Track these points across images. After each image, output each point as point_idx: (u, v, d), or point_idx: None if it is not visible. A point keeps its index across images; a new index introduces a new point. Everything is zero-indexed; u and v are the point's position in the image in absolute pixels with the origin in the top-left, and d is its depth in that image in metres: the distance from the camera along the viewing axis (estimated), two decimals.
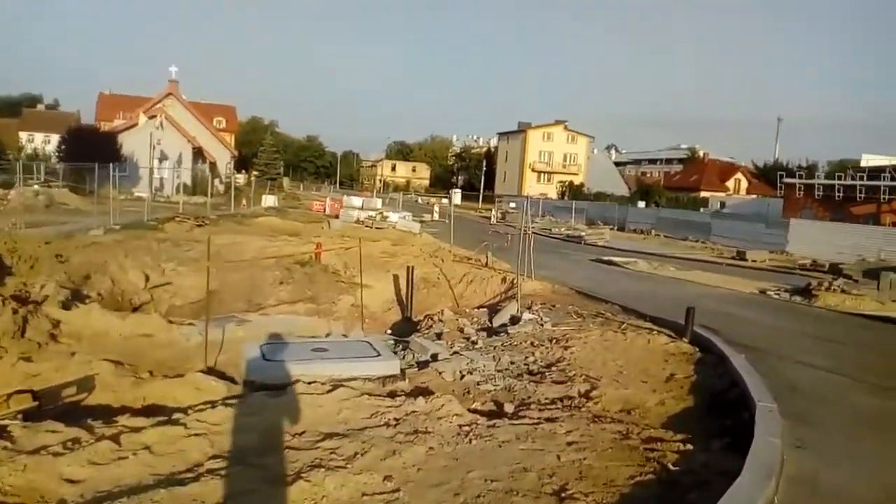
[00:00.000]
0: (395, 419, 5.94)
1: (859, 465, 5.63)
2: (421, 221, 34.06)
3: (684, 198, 65.90)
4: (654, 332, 10.27)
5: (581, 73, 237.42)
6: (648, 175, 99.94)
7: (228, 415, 5.76)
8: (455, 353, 9.29)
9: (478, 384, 7.74)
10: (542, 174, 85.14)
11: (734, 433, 6.04)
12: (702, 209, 54.74)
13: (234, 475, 4.62)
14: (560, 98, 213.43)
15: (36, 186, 35.26)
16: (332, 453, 5.11)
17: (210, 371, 8.07)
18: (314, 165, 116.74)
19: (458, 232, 26.15)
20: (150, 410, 6.67)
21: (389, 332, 13.90)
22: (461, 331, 11.88)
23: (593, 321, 11.31)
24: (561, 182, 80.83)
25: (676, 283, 18.58)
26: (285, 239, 22.04)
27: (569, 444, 5.62)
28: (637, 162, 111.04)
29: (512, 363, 8.76)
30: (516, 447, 5.49)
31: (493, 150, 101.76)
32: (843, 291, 15.46)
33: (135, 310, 13.57)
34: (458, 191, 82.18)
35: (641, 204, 59.56)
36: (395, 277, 16.77)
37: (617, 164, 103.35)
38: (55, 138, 50.18)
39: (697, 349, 9.36)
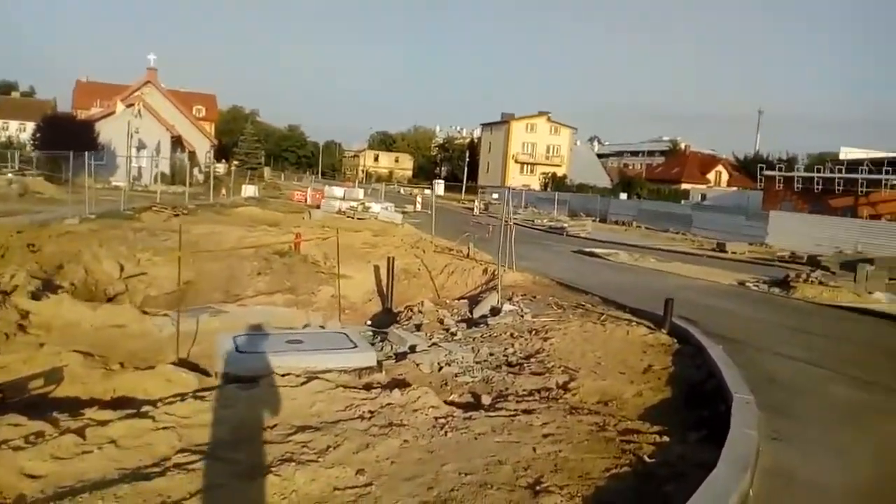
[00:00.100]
0: (370, 412, 5.84)
1: (835, 457, 5.63)
2: (403, 212, 33.90)
3: (666, 190, 66.28)
4: (634, 323, 10.26)
5: (565, 65, 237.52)
6: (631, 167, 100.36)
7: (198, 407, 5.63)
8: (434, 344, 9.20)
9: (455, 376, 7.67)
10: (526, 165, 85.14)
11: (711, 425, 6.02)
12: (683, 201, 55.07)
13: (202, 469, 4.50)
14: (544, 89, 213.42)
15: (10, 175, 34.58)
16: (303, 447, 5.01)
17: (183, 363, 7.92)
18: (296, 155, 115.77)
19: (440, 223, 26.05)
20: (119, 403, 6.52)
21: (369, 323, 13.79)
22: (441, 322, 11.79)
23: (573, 312, 11.28)
24: (544, 174, 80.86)
25: (657, 274, 18.64)
26: (265, 229, 21.81)
27: (545, 436, 5.56)
28: (619, 154, 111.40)
29: (491, 355, 8.70)
30: (492, 439, 5.43)
31: (476, 141, 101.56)
32: (820, 283, 15.59)
33: (109, 300, 13.34)
34: (441, 182, 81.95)
35: (623, 196, 59.79)
36: (376, 268, 16.66)
37: (600, 155, 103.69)
38: (31, 126, 49.17)
39: (676, 340, 9.36)
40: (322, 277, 16.59)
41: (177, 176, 42.67)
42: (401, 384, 6.87)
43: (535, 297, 12.85)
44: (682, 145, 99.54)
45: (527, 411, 6.20)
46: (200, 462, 4.61)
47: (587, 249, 24.31)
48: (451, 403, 6.50)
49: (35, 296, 10.15)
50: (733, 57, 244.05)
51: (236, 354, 6.99)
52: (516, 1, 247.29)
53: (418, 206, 42.50)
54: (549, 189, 68.76)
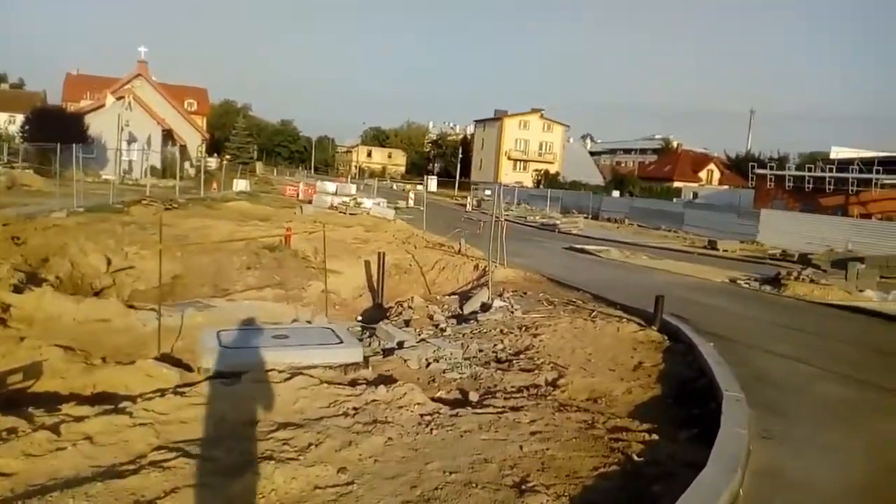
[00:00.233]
0: (354, 408, 5.72)
1: (826, 456, 5.56)
2: (395, 208, 33.76)
3: (658, 188, 66.33)
4: (624, 320, 10.18)
5: (558, 63, 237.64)
6: (623, 165, 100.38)
7: (178, 404, 5.49)
8: (422, 340, 9.09)
9: (443, 372, 7.56)
10: (518, 162, 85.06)
11: (701, 423, 5.94)
12: (675, 199, 55.12)
13: (179, 468, 4.37)
14: (537, 87, 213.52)
15: None
16: (285, 444, 4.88)
17: (166, 358, 7.77)
18: (288, 150, 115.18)
19: (432, 219, 25.93)
20: (99, 398, 6.38)
21: (359, 318, 13.66)
22: (431, 318, 11.68)
23: (564, 309, 11.20)
24: (536, 170, 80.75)
25: (648, 271, 18.59)
26: (255, 224, 21.64)
27: (532, 433, 5.46)
28: (612, 151, 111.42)
29: (480, 351, 8.60)
30: (478, 437, 5.32)
31: (469, 137, 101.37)
32: (811, 281, 15.57)
33: (96, 294, 13.16)
34: (434, 178, 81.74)
35: (616, 193, 59.79)
36: (367, 264, 16.53)
37: (592, 153, 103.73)
38: (20, 118, 48.65)
39: (666, 337, 9.29)
40: (312, 272, 16.44)
41: (168, 170, 42.29)
42: (387, 380, 6.75)
43: (525, 294, 12.76)
44: (675, 143, 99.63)
45: (515, 408, 6.10)
46: (177, 460, 4.47)
47: (579, 246, 24.25)
48: (438, 400, 6.39)
49: (17, 289, 9.96)
50: (726, 56, 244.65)
51: (219, 350, 6.85)
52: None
53: (411, 202, 42.36)
54: (541, 186, 68.62)
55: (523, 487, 4.45)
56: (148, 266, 14.99)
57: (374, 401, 5.93)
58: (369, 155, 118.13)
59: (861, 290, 15.34)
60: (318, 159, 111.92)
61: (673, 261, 21.20)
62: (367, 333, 10.00)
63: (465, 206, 47.94)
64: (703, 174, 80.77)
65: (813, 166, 40.54)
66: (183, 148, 51.01)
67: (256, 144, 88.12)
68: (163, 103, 53.08)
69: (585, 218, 42.82)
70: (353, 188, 36.62)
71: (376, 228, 23.27)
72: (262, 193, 39.31)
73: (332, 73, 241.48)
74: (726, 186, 67.23)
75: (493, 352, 8.55)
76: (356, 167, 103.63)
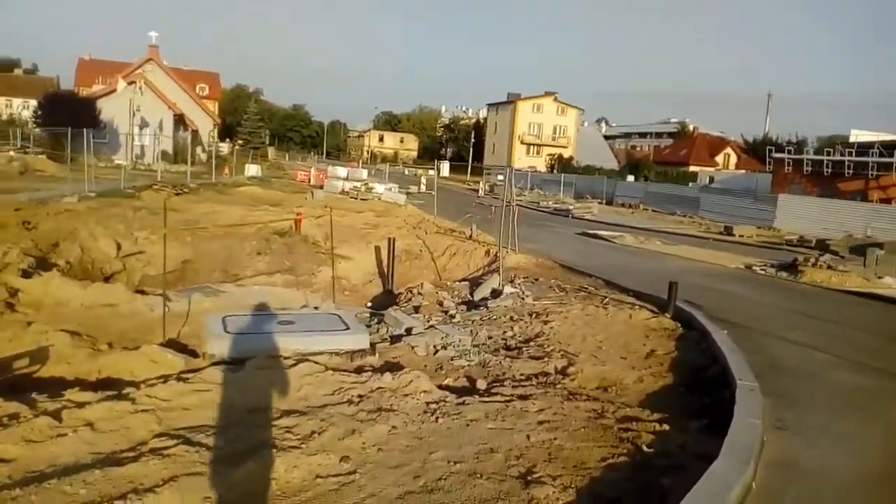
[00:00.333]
0: (359, 396, 5.63)
1: (841, 447, 5.41)
2: (407, 193, 33.60)
3: (673, 172, 65.63)
4: (637, 307, 10.02)
5: (572, 46, 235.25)
6: (638, 149, 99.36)
7: (181, 390, 5.43)
8: (430, 327, 8.98)
9: (451, 359, 7.46)
10: (532, 146, 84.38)
11: (713, 413, 5.80)
12: (690, 184, 54.52)
13: (179, 455, 4.30)
14: (551, 70, 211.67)
15: (11, 152, 34.36)
16: (287, 432, 4.81)
17: (172, 343, 7.73)
18: (300, 135, 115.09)
19: (444, 204, 25.79)
20: (104, 384, 6.35)
21: (369, 304, 13.59)
22: (440, 304, 11.57)
23: (575, 295, 11.05)
24: (550, 155, 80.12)
25: (662, 257, 18.36)
26: (266, 209, 21.62)
27: (540, 423, 5.35)
28: (627, 135, 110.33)
29: (489, 338, 8.50)
30: (484, 426, 5.22)
31: (482, 121, 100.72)
32: (829, 267, 15.29)
33: (106, 279, 13.17)
34: (447, 162, 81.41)
35: (630, 178, 59.23)
36: (377, 249, 16.45)
37: (607, 137, 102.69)
38: (34, 103, 48.86)
39: (679, 325, 9.14)
40: (322, 258, 16.38)
41: (179, 155, 42.37)
42: (394, 367, 6.66)
43: (537, 280, 12.62)
44: (691, 127, 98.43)
45: (523, 397, 6.00)
46: (177, 447, 4.41)
47: (592, 232, 24.02)
48: (445, 388, 6.29)
49: (26, 273, 9.96)
50: (743, 38, 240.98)
51: (224, 335, 6.79)
52: None
53: (422, 187, 42.14)
54: (555, 170, 68.12)
55: (529, 478, 4.35)
56: (158, 251, 14.93)
57: (379, 388, 5.85)
58: (381, 140, 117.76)
59: (880, 277, 15.05)
60: (330, 144, 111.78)
61: (688, 246, 20.93)
62: (376, 320, 9.91)
63: (477, 191, 47.65)
64: (719, 158, 79.73)
65: (832, 150, 39.88)
66: (195, 133, 51.08)
67: (268, 129, 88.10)
68: (174, 88, 53.07)
69: (599, 203, 42.46)
70: (364, 173, 36.47)
71: (387, 214, 23.16)
72: (274, 178, 39.30)
73: (345, 58, 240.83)
74: (743, 171, 66.29)
75: (502, 339, 8.44)
76: (368, 152, 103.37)
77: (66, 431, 4.61)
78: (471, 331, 8.76)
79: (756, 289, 13.77)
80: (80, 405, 5.05)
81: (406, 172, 66.47)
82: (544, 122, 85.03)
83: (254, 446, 4.54)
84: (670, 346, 8.14)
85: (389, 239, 15.30)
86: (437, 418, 5.32)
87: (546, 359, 7.45)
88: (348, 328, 7.50)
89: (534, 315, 9.48)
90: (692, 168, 69.63)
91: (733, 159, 79.93)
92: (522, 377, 6.82)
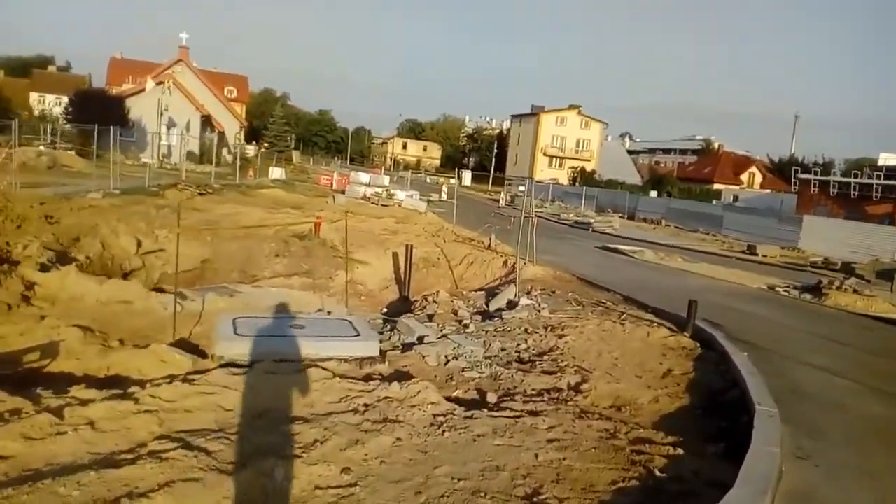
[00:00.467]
0: (365, 405, 5.52)
1: (863, 481, 5.17)
2: (428, 200, 33.55)
3: (697, 189, 64.88)
4: (655, 324, 9.81)
5: (598, 59, 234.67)
6: (662, 164, 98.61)
7: (185, 392, 5.36)
8: (443, 336, 8.85)
9: (462, 371, 7.33)
10: (554, 159, 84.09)
11: (730, 438, 5.61)
12: (714, 201, 53.82)
13: (177, 460, 4.21)
14: (576, 83, 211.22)
15: (41, 147, 34.89)
16: (289, 439, 4.71)
17: (183, 343, 7.69)
18: (325, 140, 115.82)
19: (464, 213, 25.69)
20: (111, 381, 6.31)
21: (384, 311, 13.51)
22: (455, 313, 11.44)
23: (593, 310, 10.86)
24: (572, 168, 79.77)
25: (683, 274, 18.07)
26: (287, 211, 21.66)
27: (549, 441, 5.20)
28: (651, 151, 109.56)
29: (503, 350, 8.35)
30: (492, 442, 5.07)
31: (505, 132, 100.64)
32: (854, 291, 14.92)
33: (125, 276, 13.23)
34: (469, 172, 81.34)
35: (653, 193, 58.67)
36: (395, 255, 16.40)
37: (630, 152, 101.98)
38: (66, 100, 49.71)
39: (698, 344, 8.92)
40: (340, 262, 16.35)
41: (205, 155, 42.75)
42: (403, 377, 6.54)
43: (554, 293, 12.44)
44: (716, 144, 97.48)
45: (533, 413, 5.84)
46: (176, 451, 4.32)
47: (612, 246, 23.76)
48: (454, 400, 6.16)
49: (44, 267, 10.01)
50: (772, 58, 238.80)
51: (234, 337, 6.72)
52: None
53: (444, 195, 42.09)
54: (577, 183, 67.73)
55: (535, 500, 4.20)
56: (179, 249, 15.08)
57: (386, 398, 5.73)
58: (405, 147, 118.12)
59: None
60: (354, 150, 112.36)
61: (709, 264, 20.59)
62: (389, 327, 9.81)
63: (498, 201, 47.49)
64: (744, 177, 78.72)
65: (859, 172, 39.16)
66: (221, 134, 51.58)
67: (294, 133, 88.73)
68: (203, 89, 53.65)
69: (621, 217, 42.09)
70: (386, 179, 36.51)
71: (407, 220, 23.10)
72: (297, 182, 39.49)
73: (371, 65, 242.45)
74: (768, 190, 65.40)
75: (515, 351, 8.29)
76: (391, 159, 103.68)
77: (66, 430, 4.55)
78: (484, 342, 8.62)
79: (778, 310, 13.46)
80: (84, 403, 5.00)
81: (428, 180, 66.50)
82: (568, 134, 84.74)
83: (253, 453, 4.44)
84: (688, 367, 7.94)
85: (407, 246, 15.23)
86: (443, 432, 5.19)
87: (559, 374, 7.29)
88: (359, 335, 7.40)
89: (549, 328, 9.32)
90: (716, 186, 68.79)
91: (758, 179, 78.87)
92: (534, 392, 6.67)
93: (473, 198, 50.07)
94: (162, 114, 39.24)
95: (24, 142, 33.98)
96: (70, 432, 4.51)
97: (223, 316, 7.54)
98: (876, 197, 36.20)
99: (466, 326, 9.86)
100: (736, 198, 58.16)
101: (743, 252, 27.00)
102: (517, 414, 5.76)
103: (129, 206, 18.40)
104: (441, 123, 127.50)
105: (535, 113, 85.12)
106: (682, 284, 15.43)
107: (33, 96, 77.67)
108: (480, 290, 14.28)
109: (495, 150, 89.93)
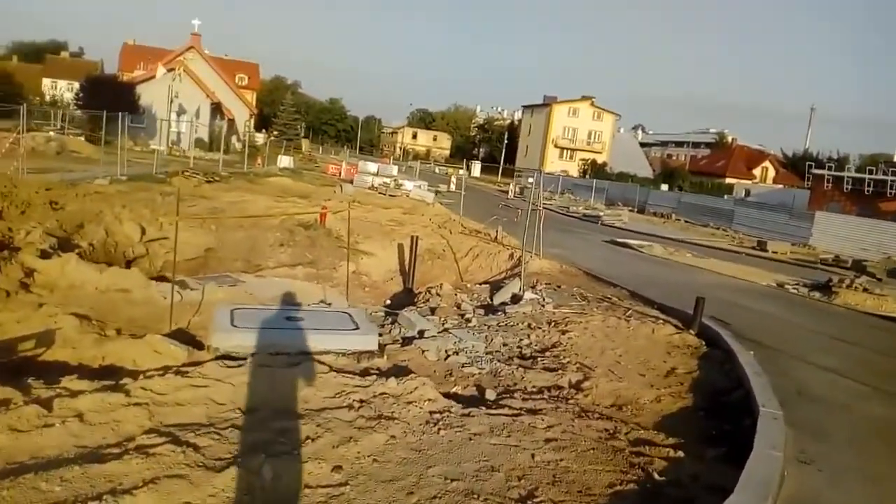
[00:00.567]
0: (360, 401, 5.42)
1: (867, 487, 5.04)
2: (436, 191, 33.40)
3: (709, 183, 64.36)
4: (660, 321, 9.66)
5: (611, 51, 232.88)
6: (674, 158, 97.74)
7: (177, 384, 5.27)
8: (444, 330, 8.74)
9: (462, 366, 7.22)
10: (565, 150, 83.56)
11: (733, 440, 5.48)
12: (726, 196, 53.37)
13: (163, 455, 4.13)
14: (589, 74, 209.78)
15: (50, 133, 34.96)
16: (280, 436, 4.61)
17: (181, 333, 7.62)
18: (335, 129, 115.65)
19: (472, 205, 25.54)
20: (105, 371, 6.25)
21: (388, 302, 13.43)
22: (458, 306, 11.32)
23: (598, 305, 10.72)
24: (583, 160, 79.25)
25: (691, 270, 17.87)
26: (293, 200, 21.59)
27: (547, 441, 5.09)
28: (663, 144, 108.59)
29: (504, 345, 8.24)
30: (488, 441, 4.97)
31: (516, 123, 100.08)
32: (865, 290, 14.68)
33: (129, 263, 13.19)
34: (478, 163, 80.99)
35: (664, 187, 58.25)
36: (400, 247, 16.30)
37: (643, 144, 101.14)
38: (78, 86, 49.80)
39: (704, 343, 8.77)
40: (345, 253, 16.28)
41: (215, 142, 42.75)
42: (401, 372, 6.44)
43: (559, 287, 12.30)
44: (729, 138, 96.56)
45: (532, 411, 5.73)
46: (164, 446, 4.23)
47: (620, 240, 23.55)
48: (452, 396, 6.06)
49: (45, 254, 9.96)
50: (788, 52, 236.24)
51: (230, 329, 6.63)
52: None
53: (452, 186, 41.92)
54: (587, 176, 67.31)
55: (529, 502, 4.09)
56: (182, 237, 14.99)
57: (382, 394, 5.63)
58: (414, 137, 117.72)
59: None
60: (364, 139, 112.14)
61: (718, 260, 20.36)
62: (390, 320, 9.71)
63: (507, 192, 47.26)
64: (757, 171, 78.05)
65: (874, 168, 38.65)
66: (231, 122, 51.55)
67: (304, 122, 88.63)
68: (213, 76, 53.56)
69: (631, 211, 41.78)
70: (394, 169, 36.37)
71: (414, 211, 22.98)
72: (305, 170, 39.43)
73: (382, 54, 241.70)
74: (781, 185, 64.82)
75: (517, 347, 8.17)
76: (401, 148, 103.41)
77: (54, 422, 4.48)
78: (485, 336, 8.50)
79: (787, 308, 13.27)
80: (74, 394, 4.92)
81: (437, 171, 66.33)
82: (579, 126, 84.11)
83: (243, 450, 4.35)
84: (692, 366, 7.80)
85: (412, 237, 15.12)
86: (438, 430, 5.08)
87: (561, 371, 7.17)
88: (358, 328, 7.29)
89: (552, 324, 9.19)
90: (728, 180, 68.25)
91: (771, 173, 78.20)
92: (534, 389, 6.56)
93: (482, 189, 49.85)
94: (172, 101, 39.19)
95: (35, 127, 34.11)
96: (58, 424, 4.44)
97: (220, 307, 7.45)
98: (890, 194, 35.70)
99: (469, 320, 9.74)
100: (748, 192, 57.61)
101: (753, 248, 26.72)
102: (516, 412, 5.65)
103: (135, 192, 18.37)
104: (452, 113, 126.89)
105: (548, 104, 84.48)
106: (689, 280, 15.25)
107: (46, 82, 78.00)
108: (485, 282, 14.15)
109: (506, 141, 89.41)
